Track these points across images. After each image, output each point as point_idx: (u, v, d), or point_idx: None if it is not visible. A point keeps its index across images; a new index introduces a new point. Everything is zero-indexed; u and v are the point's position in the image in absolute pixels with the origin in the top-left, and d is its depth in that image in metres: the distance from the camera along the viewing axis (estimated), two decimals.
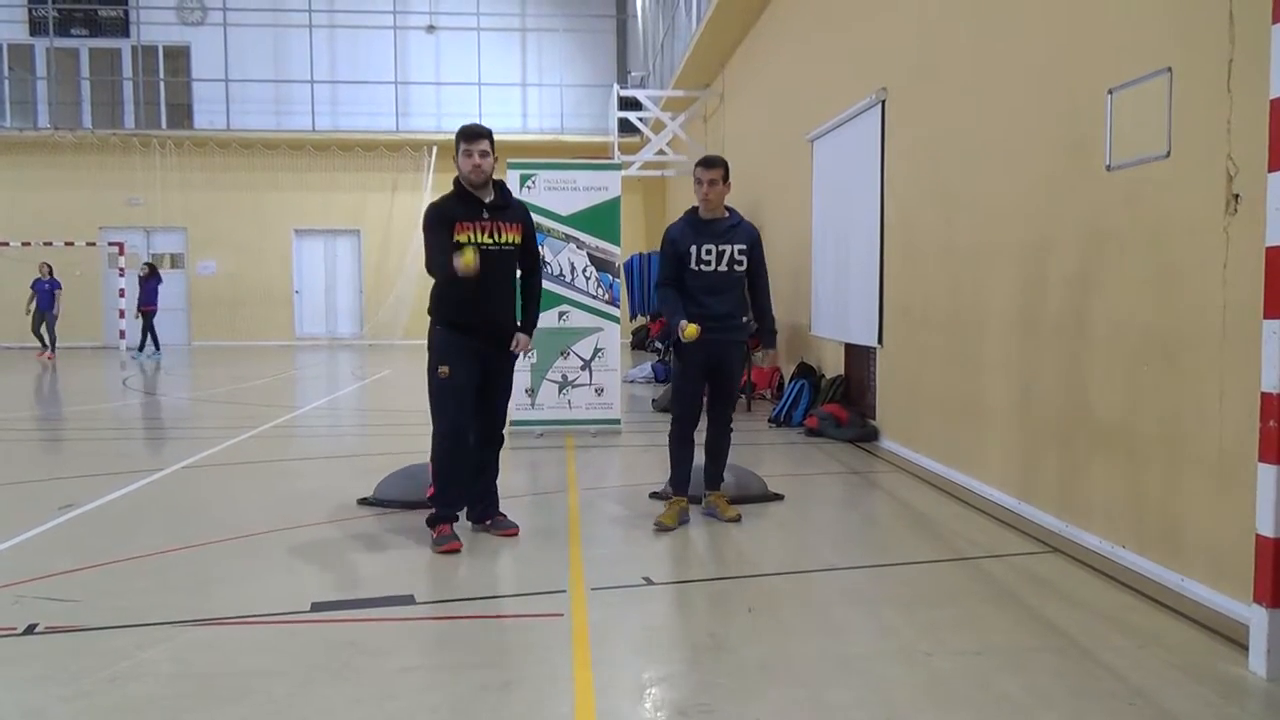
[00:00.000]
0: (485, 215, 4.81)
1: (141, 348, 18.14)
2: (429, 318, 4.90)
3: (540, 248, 8.49)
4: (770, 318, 5.45)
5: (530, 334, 5.08)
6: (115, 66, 22.43)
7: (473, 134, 4.82)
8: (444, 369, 4.80)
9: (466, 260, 4.50)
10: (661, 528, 5.16)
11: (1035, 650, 3.48)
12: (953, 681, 3.21)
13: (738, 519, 5.33)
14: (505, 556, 4.84)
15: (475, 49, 22.65)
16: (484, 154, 4.80)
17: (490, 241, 4.80)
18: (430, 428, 4.91)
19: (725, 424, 5.41)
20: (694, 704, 3.03)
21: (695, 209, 5.26)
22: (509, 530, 5.08)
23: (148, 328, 18.19)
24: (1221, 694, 3.10)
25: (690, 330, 4.98)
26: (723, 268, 5.16)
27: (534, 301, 5.19)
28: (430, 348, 4.90)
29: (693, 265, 5.15)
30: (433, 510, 4.94)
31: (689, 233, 5.19)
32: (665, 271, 5.26)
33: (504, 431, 5.21)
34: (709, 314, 5.12)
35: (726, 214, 5.24)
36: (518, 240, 4.92)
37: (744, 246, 5.19)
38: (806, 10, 10.40)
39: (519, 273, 5.09)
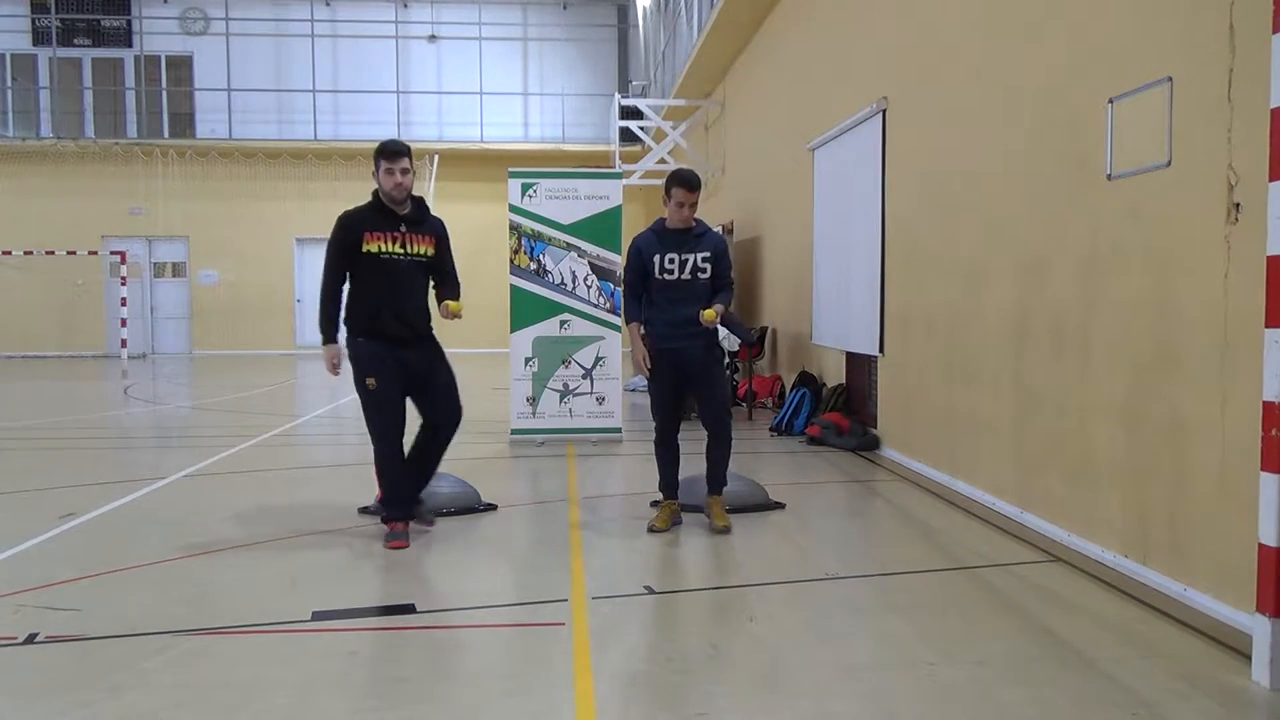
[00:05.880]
0: (400, 227, 5.01)
1: None
2: (345, 331, 5.06)
3: (541, 256, 8.74)
4: (724, 300, 5.35)
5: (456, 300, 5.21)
6: (118, 76, 22.47)
7: (394, 152, 4.96)
8: (371, 380, 4.95)
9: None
10: (653, 529, 5.29)
11: (1038, 660, 3.47)
12: (955, 692, 3.20)
13: (726, 530, 5.27)
14: (506, 565, 4.84)
15: (477, 58, 22.69)
16: (405, 171, 4.94)
17: (401, 252, 5.00)
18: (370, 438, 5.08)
19: (718, 432, 5.35)
20: (695, 714, 3.02)
21: (664, 219, 5.34)
22: (427, 521, 5.34)
23: None
24: (1225, 704, 3.09)
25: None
26: (686, 276, 5.25)
27: (452, 287, 5.30)
28: (354, 360, 5.03)
29: (656, 274, 5.26)
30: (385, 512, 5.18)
31: (655, 243, 5.29)
32: (629, 280, 5.38)
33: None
34: (673, 321, 5.23)
35: (694, 224, 5.33)
36: (430, 252, 5.13)
37: (707, 254, 5.26)
38: (808, 20, 10.44)
39: (433, 284, 5.27)
